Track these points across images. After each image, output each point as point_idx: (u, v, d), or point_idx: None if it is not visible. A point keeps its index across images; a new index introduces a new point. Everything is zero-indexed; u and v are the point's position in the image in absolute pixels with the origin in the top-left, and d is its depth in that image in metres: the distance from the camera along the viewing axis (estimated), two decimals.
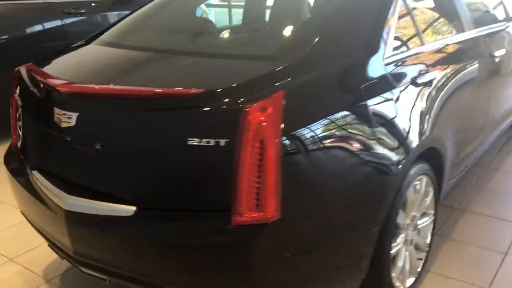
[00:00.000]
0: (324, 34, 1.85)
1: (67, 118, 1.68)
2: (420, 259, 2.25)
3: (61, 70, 1.94)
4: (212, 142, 1.49)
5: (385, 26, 1.98)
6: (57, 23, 4.57)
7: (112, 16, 5.02)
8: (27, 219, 2.18)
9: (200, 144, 1.50)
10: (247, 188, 1.47)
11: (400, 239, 2.01)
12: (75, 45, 2.32)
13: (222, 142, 1.48)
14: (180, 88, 1.56)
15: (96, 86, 1.67)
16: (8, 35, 4.22)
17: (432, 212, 2.29)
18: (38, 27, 4.46)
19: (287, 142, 1.50)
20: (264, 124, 1.47)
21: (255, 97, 1.50)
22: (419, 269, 2.25)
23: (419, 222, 2.19)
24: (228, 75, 1.69)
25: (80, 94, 1.68)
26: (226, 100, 1.50)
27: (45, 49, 4.36)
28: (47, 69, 1.96)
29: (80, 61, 2.09)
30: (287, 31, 2.07)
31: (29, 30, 4.40)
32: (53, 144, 1.84)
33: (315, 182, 1.59)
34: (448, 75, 2.32)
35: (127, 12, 4.93)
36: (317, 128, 1.59)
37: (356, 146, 1.69)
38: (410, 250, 2.15)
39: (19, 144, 2.14)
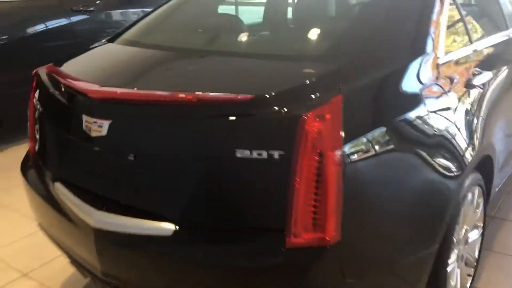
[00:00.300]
0: (374, 34, 1.70)
1: (98, 127, 1.51)
2: (469, 275, 2.09)
3: (87, 72, 1.77)
4: (263, 154, 1.32)
5: (436, 25, 1.82)
6: (65, 21, 4.39)
7: (123, 13, 4.85)
8: (45, 233, 2.01)
9: (250, 156, 1.33)
10: (304, 206, 1.31)
11: (454, 255, 1.85)
12: (96, 44, 2.15)
13: (275, 154, 1.32)
14: (227, 94, 1.40)
15: (132, 91, 1.50)
16: (14, 34, 4.04)
17: (481, 224, 2.13)
18: (45, 26, 4.27)
19: (347, 153, 1.34)
20: (323, 133, 1.30)
21: (311, 103, 1.33)
22: (468, 286, 2.09)
23: (469, 235, 2.03)
24: (277, 78, 1.52)
25: (114, 100, 1.51)
26: (279, 106, 1.34)
27: (53, 48, 4.21)
28: (71, 71, 1.78)
29: (106, 62, 1.91)
30: (331, 29, 1.91)
31: (36, 29, 4.21)
32: (79, 154, 1.67)
33: (377, 197, 1.43)
34: (498, 75, 2.17)
35: (134, 10, 4.79)
36: (377, 137, 1.43)
37: (416, 155, 1.54)
38: (461, 266, 1.99)
39: (37, 152, 1.97)
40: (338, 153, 1.31)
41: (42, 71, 1.92)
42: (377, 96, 1.52)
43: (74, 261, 1.83)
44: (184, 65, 1.76)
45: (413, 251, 1.58)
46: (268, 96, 1.36)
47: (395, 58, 1.65)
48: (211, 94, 1.40)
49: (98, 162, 1.59)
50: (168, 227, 1.45)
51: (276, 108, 1.34)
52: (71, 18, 4.42)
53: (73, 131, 1.65)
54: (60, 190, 1.75)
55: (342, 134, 1.33)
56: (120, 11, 4.85)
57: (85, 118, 1.56)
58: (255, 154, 1.33)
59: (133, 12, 4.90)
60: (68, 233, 1.75)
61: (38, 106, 1.90)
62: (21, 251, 2.60)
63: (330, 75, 1.46)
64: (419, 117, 1.57)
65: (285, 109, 1.33)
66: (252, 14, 3.12)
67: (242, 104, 1.36)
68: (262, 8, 2.84)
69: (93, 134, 1.53)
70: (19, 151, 3.95)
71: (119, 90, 1.52)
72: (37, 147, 1.98)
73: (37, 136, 1.96)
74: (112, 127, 1.50)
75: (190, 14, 2.36)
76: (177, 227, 1.44)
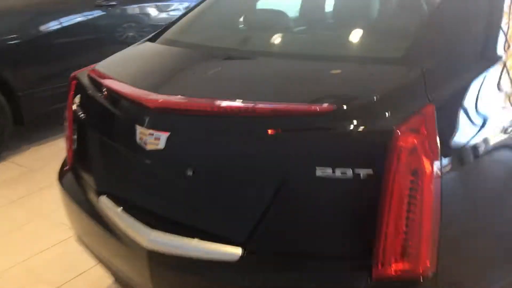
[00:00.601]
0: (455, 32, 1.52)
1: (155, 139, 1.36)
2: None
3: (136, 77, 1.61)
4: (348, 173, 1.17)
5: None
6: (88, 16, 4.24)
7: (145, 8, 4.69)
8: (86, 248, 1.87)
9: (332, 175, 1.18)
10: (395, 232, 1.16)
11: None
12: (138, 44, 1.99)
13: (362, 173, 1.16)
14: (304, 104, 1.24)
15: (197, 101, 1.34)
16: (35, 32, 3.89)
17: None
18: (69, 21, 4.12)
19: (443, 170, 1.18)
20: (418, 149, 1.15)
21: (402, 115, 1.17)
22: None
23: None
24: (357, 85, 1.36)
25: (175, 110, 1.35)
26: (366, 119, 1.18)
27: (77, 45, 4.08)
28: (117, 75, 1.63)
29: (155, 65, 1.75)
30: (403, 27, 1.70)
31: (59, 25, 4.06)
32: (130, 167, 1.52)
33: (474, 218, 1.27)
34: None
35: (159, 4, 4.59)
36: (470, 150, 1.27)
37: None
38: None
39: (78, 162, 1.83)
40: (434, 170, 1.15)
41: (83, 75, 1.77)
42: (467, 103, 1.36)
43: (121, 281, 1.69)
44: (243, 68, 1.60)
45: (504, 276, 1.42)
46: (351, 107, 1.20)
47: (480, 59, 1.48)
48: (286, 104, 1.25)
49: (153, 177, 1.45)
50: (234, 251, 1.30)
51: (362, 121, 1.18)
52: (94, 12, 4.27)
53: (123, 143, 1.50)
54: (106, 205, 1.61)
55: (438, 149, 1.17)
56: (140, 5, 4.69)
57: (139, 129, 1.40)
58: (338, 173, 1.17)
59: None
60: (115, 252, 1.61)
61: (80, 113, 1.75)
62: (52, 262, 2.46)
63: (417, 81, 1.29)
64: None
65: (373, 122, 1.17)
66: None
67: (322, 116, 1.20)
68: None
69: (149, 147, 1.38)
70: (41, 151, 3.85)
71: (181, 99, 1.36)
72: (77, 157, 1.83)
73: (77, 145, 1.81)
74: (171, 139, 1.35)
75: (236, 9, 2.19)
76: (244, 252, 1.30)
